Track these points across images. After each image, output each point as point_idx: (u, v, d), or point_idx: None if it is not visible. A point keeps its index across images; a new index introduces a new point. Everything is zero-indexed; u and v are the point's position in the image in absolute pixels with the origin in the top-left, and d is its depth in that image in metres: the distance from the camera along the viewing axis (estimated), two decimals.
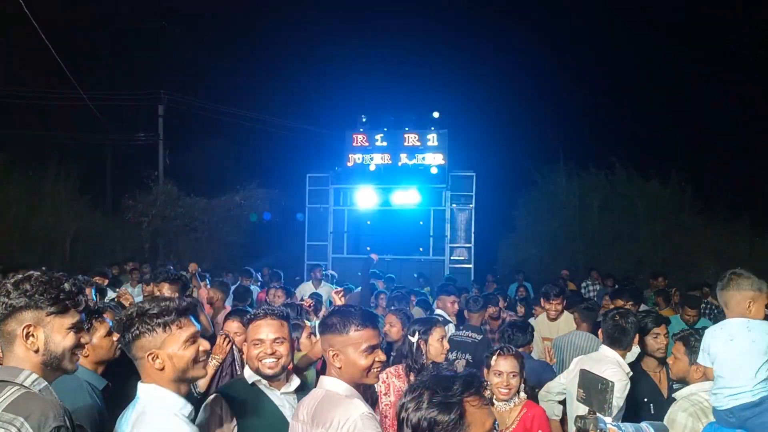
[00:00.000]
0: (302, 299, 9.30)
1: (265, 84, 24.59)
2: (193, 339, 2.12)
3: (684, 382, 3.43)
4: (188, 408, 2.10)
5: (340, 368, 2.32)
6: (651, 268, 15.27)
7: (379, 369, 2.39)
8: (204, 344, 2.15)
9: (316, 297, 7.28)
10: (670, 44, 23.15)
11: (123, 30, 22.90)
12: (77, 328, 2.00)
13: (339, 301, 4.14)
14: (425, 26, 27.29)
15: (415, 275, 12.96)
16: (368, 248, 14.97)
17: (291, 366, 2.95)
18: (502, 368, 3.48)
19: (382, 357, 2.39)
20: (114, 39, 22.63)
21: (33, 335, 1.91)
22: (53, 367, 1.96)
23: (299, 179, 16.00)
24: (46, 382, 1.90)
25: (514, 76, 23.87)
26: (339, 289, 4.51)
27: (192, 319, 2.15)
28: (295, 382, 2.83)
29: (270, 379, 2.75)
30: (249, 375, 2.77)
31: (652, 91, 22.61)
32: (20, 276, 1.96)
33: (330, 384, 2.35)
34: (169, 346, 2.07)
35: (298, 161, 18.33)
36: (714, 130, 19.83)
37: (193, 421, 2.14)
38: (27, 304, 1.91)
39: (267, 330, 2.78)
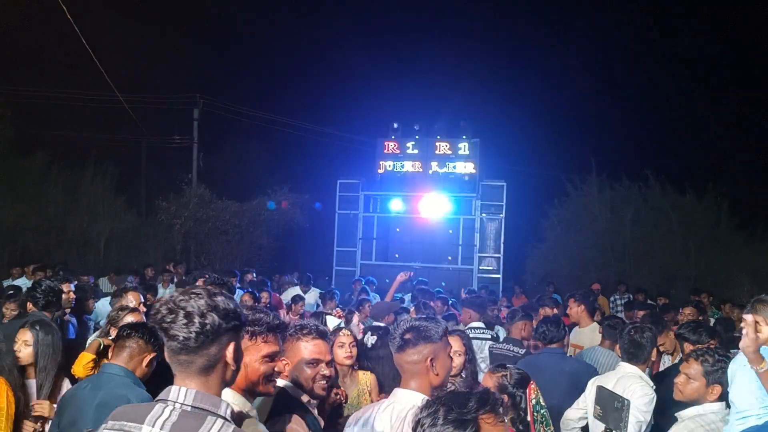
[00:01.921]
0: (288, 302, 9.35)
1: (298, 90, 24.89)
2: (272, 357, 2.18)
3: (696, 403, 3.35)
4: (254, 410, 2.17)
5: (437, 375, 2.47)
6: (684, 284, 14.99)
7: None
8: (280, 366, 2.22)
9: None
10: (708, 56, 22.77)
11: (161, 34, 23.35)
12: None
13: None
14: (459, 36, 27.30)
15: (443, 284, 12.92)
16: (396, 255, 14.97)
17: None
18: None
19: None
20: (152, 43, 23.09)
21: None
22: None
23: (330, 185, 16.10)
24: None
25: (548, 85, 23.74)
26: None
27: (279, 339, 2.22)
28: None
29: (318, 399, 2.77)
30: (294, 392, 2.70)
31: (690, 103, 22.26)
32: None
33: (413, 398, 2.41)
34: (248, 355, 2.11)
35: (329, 167, 18.48)
36: (752, 143, 19.44)
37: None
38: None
39: (322, 350, 2.76)
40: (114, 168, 18.29)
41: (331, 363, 2.78)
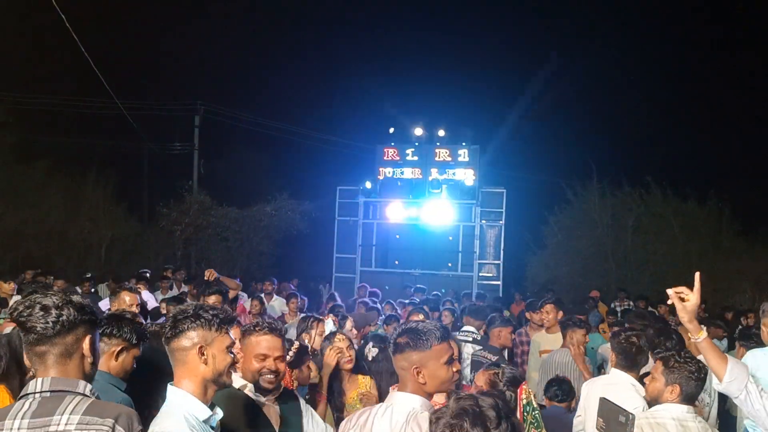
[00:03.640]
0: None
1: (298, 97, 24.90)
2: (231, 348, 2.27)
3: (656, 403, 3.33)
4: (206, 413, 2.18)
5: (424, 383, 2.41)
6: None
7: (458, 378, 2.54)
8: (235, 358, 2.30)
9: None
10: (710, 60, 22.72)
11: (162, 42, 23.45)
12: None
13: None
14: (460, 43, 27.32)
15: (443, 291, 12.89)
16: (396, 262, 14.97)
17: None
18: None
19: (458, 366, 2.53)
20: (153, 51, 23.18)
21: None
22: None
23: (330, 191, 16.10)
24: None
25: (548, 91, 23.69)
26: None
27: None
28: (279, 388, 2.90)
29: (265, 392, 2.83)
30: (235, 379, 2.78)
31: (691, 109, 22.21)
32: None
33: (412, 401, 2.41)
34: (215, 346, 2.22)
35: (328, 174, 18.49)
36: (754, 149, 19.35)
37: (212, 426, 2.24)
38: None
39: (271, 346, 2.85)
40: (115, 175, 18.37)
41: (282, 359, 2.86)
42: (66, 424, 1.83)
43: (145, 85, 21.80)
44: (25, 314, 1.90)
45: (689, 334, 2.90)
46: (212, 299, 5.44)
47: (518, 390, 3.31)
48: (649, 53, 23.97)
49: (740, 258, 15.19)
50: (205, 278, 5.83)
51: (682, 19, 23.37)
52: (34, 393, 1.89)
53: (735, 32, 22.25)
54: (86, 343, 1.97)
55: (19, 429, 1.84)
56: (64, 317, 1.91)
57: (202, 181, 20.03)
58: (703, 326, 2.88)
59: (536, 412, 3.40)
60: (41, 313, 1.90)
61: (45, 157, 17.13)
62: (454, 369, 2.46)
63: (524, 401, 3.32)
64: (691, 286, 2.82)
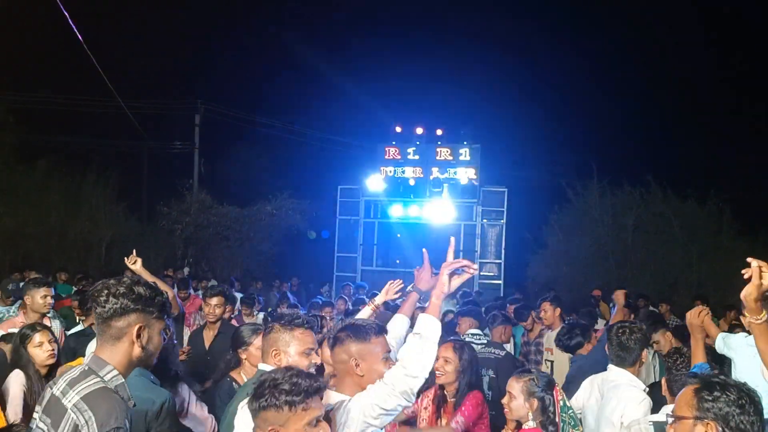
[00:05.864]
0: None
1: (299, 96, 24.89)
2: (315, 422, 2.10)
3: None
4: None
5: (362, 376, 2.45)
6: (686, 290, 14.91)
7: None
8: (325, 428, 2.12)
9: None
10: (709, 61, 22.75)
11: (163, 40, 23.41)
12: None
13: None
14: (459, 42, 27.32)
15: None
16: (398, 261, 14.97)
17: None
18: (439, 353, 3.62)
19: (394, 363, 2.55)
20: (154, 49, 23.14)
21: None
22: None
23: (330, 191, 16.09)
24: (123, 380, 2.16)
25: (549, 91, 23.72)
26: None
27: (319, 398, 2.16)
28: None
29: None
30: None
31: (691, 109, 22.22)
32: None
33: (336, 399, 2.43)
34: (290, 427, 2.06)
35: (329, 173, 18.47)
36: (754, 149, 19.37)
37: None
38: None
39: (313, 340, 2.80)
40: (115, 174, 18.29)
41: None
42: (69, 401, 2.05)
43: (146, 84, 21.75)
44: (96, 295, 2.16)
45: (749, 315, 2.63)
46: (214, 301, 5.39)
47: (554, 393, 3.31)
48: (649, 53, 24.02)
49: (740, 258, 15.15)
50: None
51: (681, 20, 23.41)
52: (83, 364, 2.17)
53: (734, 32, 22.29)
54: (134, 330, 2.14)
55: (57, 389, 2.11)
56: (118, 305, 2.13)
57: (203, 180, 20.01)
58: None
59: (571, 411, 3.42)
60: (104, 297, 2.14)
61: (45, 156, 17.06)
62: (390, 365, 2.50)
63: (561, 402, 3.33)
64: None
